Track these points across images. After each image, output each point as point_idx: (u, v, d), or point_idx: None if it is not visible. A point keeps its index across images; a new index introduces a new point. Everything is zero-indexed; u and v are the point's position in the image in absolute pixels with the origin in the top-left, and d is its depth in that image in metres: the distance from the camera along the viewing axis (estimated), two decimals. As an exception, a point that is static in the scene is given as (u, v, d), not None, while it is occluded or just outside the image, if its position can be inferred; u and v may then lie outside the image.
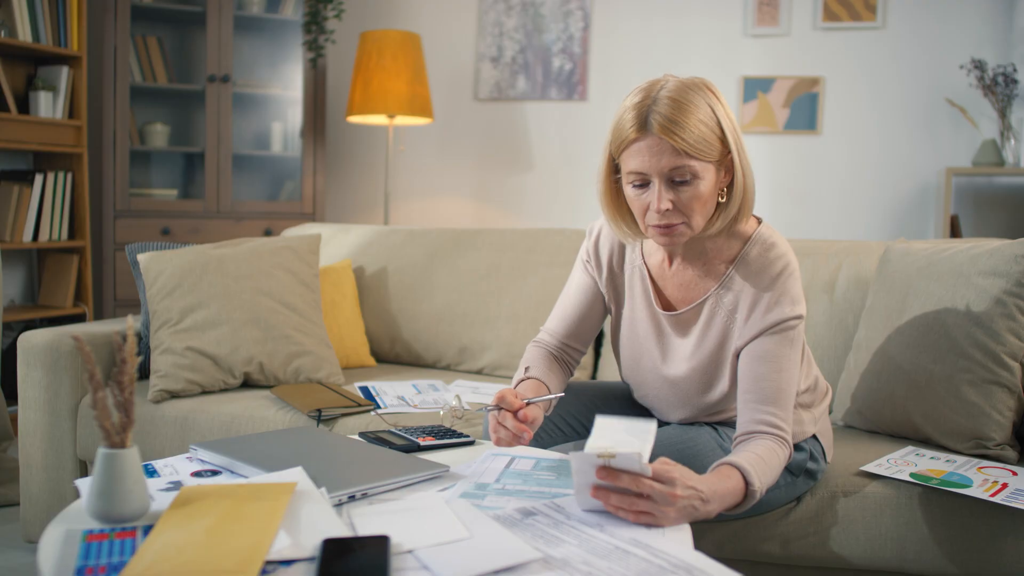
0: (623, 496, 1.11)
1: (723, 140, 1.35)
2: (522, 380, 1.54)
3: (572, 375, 1.66)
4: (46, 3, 3.36)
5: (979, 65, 3.43)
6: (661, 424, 1.66)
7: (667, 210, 1.34)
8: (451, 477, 1.29)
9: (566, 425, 1.65)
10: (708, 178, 1.35)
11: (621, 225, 1.47)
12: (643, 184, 1.36)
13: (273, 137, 4.04)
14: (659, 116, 1.30)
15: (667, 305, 1.52)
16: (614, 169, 1.43)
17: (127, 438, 1.06)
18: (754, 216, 1.48)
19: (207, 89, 3.76)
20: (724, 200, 1.40)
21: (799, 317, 1.40)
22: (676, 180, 1.34)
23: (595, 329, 1.64)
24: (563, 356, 1.63)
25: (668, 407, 1.58)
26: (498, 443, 1.37)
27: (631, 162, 1.35)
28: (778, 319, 1.39)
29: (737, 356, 1.44)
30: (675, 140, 1.30)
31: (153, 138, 3.84)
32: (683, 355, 1.50)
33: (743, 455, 1.29)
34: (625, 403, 1.71)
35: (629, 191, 1.38)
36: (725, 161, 1.38)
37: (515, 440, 1.35)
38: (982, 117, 3.56)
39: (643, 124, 1.32)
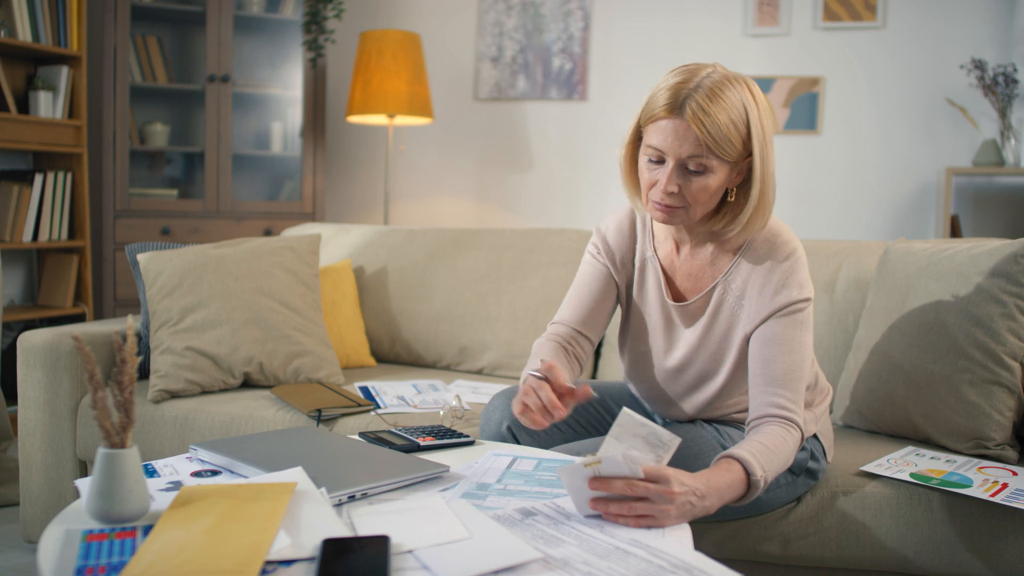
0: (621, 503, 1.11)
1: (747, 143, 1.36)
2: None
3: (581, 372, 1.61)
4: (46, 3, 3.36)
5: (979, 65, 3.43)
6: (662, 424, 1.66)
7: (672, 192, 1.36)
8: (451, 477, 1.29)
9: (564, 425, 1.65)
10: (719, 175, 1.37)
11: (634, 193, 1.48)
12: (658, 160, 1.37)
13: (273, 137, 4.04)
14: (695, 103, 1.32)
15: (677, 296, 1.53)
16: (638, 137, 1.44)
17: (127, 438, 1.06)
18: None
19: (207, 89, 3.75)
20: (732, 199, 1.42)
21: (807, 300, 1.42)
22: (690, 168, 1.35)
23: (607, 317, 1.60)
24: (574, 350, 1.57)
25: (668, 403, 1.59)
26: (523, 413, 1.29)
27: (653, 137, 1.37)
28: (786, 301, 1.41)
29: (746, 341, 1.45)
30: (701, 131, 1.32)
31: (153, 138, 3.84)
32: (688, 343, 1.51)
33: (745, 446, 1.29)
34: (625, 404, 1.70)
35: (642, 162, 1.40)
36: (742, 163, 1.39)
37: (543, 414, 1.27)
38: (982, 117, 3.56)
39: (677, 105, 1.33)
